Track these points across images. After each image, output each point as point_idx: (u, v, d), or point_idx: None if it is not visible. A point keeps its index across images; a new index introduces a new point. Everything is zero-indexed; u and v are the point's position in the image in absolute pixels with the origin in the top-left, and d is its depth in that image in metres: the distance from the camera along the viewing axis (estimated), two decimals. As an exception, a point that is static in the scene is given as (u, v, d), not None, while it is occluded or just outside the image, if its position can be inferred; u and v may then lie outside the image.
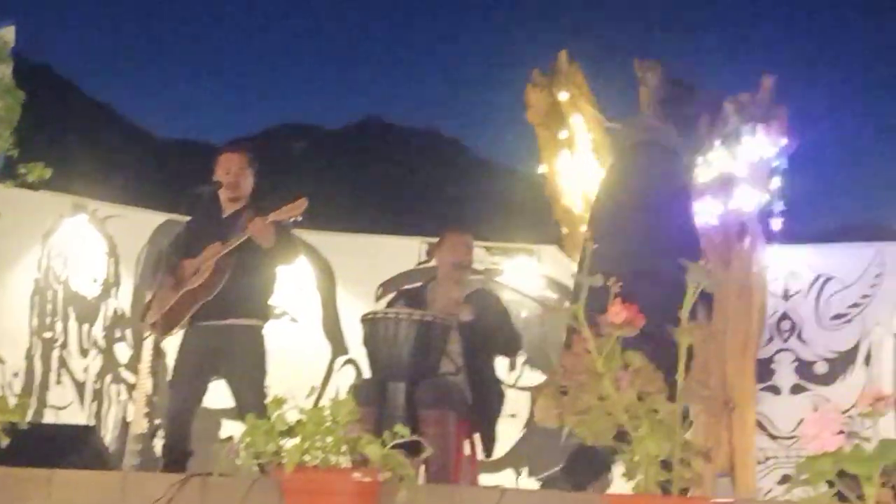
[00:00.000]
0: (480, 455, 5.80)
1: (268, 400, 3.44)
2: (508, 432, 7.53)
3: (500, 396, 5.94)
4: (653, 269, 4.72)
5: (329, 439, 3.30)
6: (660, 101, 7.36)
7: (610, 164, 5.97)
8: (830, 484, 2.36)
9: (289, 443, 3.30)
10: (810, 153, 7.76)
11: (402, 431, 3.44)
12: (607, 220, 5.42)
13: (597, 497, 3.97)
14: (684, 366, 3.22)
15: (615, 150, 6.23)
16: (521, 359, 7.95)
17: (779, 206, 7.53)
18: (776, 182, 7.42)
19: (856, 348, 7.65)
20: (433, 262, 6.92)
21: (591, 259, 3.45)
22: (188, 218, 6.17)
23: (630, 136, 5.76)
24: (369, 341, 5.63)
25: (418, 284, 6.40)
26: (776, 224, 7.53)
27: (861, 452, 2.12)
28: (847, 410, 4.21)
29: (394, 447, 3.41)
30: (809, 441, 2.12)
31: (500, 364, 6.83)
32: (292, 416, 3.36)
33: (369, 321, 5.62)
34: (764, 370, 7.73)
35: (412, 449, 3.65)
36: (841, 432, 2.13)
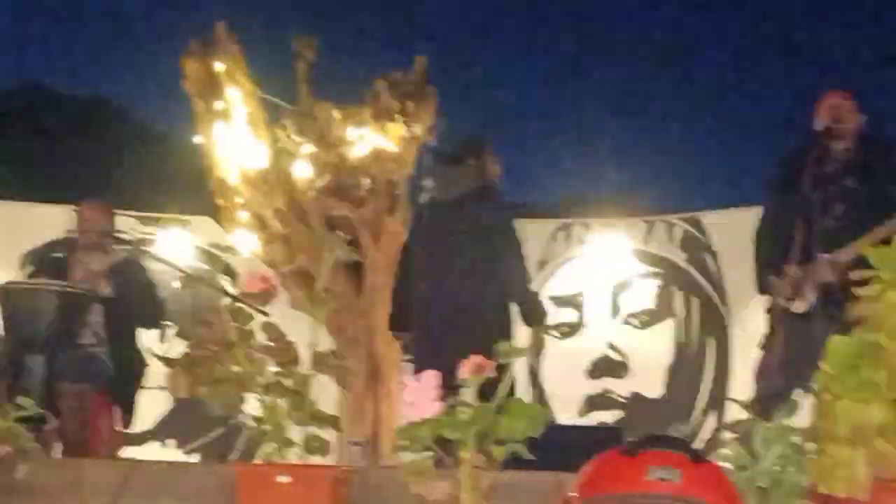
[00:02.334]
0: (121, 427, 5.71)
1: None
2: (156, 404, 7.42)
3: (143, 368, 5.86)
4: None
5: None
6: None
7: None
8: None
9: None
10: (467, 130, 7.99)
11: (25, 403, 3.34)
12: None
13: (229, 468, 3.99)
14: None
15: None
16: (172, 330, 7.82)
17: (428, 182, 7.73)
18: (426, 159, 7.61)
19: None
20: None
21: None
22: None
23: None
24: (5, 313, 5.44)
25: (60, 255, 6.19)
26: (425, 199, 7.73)
27: (456, 418, 2.23)
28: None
29: (21, 420, 3.31)
30: (409, 408, 2.21)
31: (149, 335, 6.73)
32: None
33: (4, 291, 5.42)
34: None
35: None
36: (440, 399, 2.24)
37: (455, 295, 5.90)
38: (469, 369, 2.38)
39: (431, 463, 2.32)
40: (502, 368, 2.35)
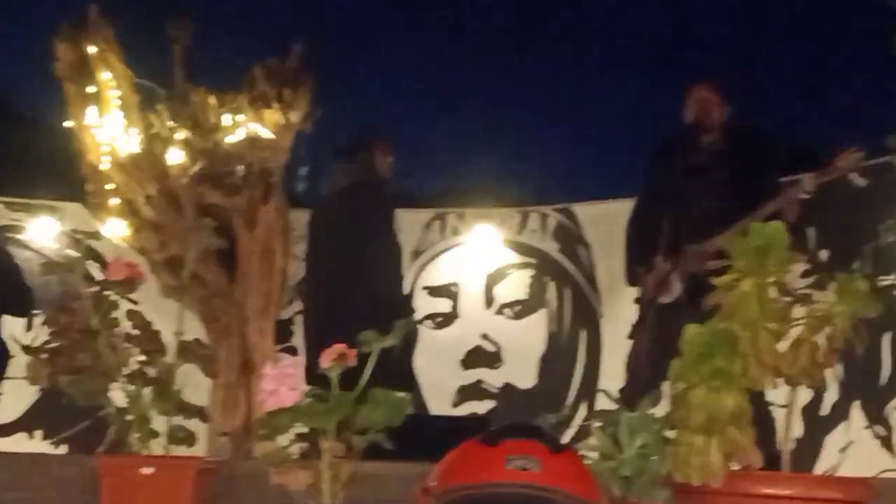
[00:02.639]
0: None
1: None
2: (23, 395, 7.23)
3: (6, 357, 5.71)
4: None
5: None
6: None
7: None
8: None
9: None
10: (346, 119, 7.97)
11: None
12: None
13: (93, 460, 3.91)
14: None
15: None
16: (39, 319, 7.62)
17: (303, 169, 7.69)
18: (300, 146, 7.57)
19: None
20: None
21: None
22: None
23: None
24: None
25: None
26: (300, 186, 7.70)
27: (316, 407, 2.21)
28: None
29: None
30: (268, 397, 2.18)
31: (15, 324, 6.56)
32: None
33: None
34: (283, 331, 7.89)
35: None
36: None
37: (332, 284, 6.03)
38: (330, 358, 2.36)
39: (291, 453, 2.30)
40: (365, 357, 2.34)
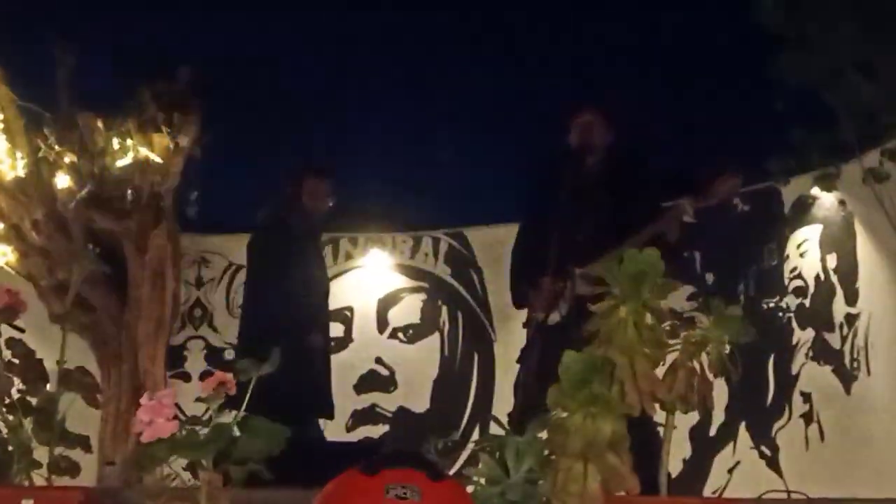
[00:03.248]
0: None
1: None
2: None
3: None
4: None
5: None
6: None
7: None
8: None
9: None
10: (233, 143, 7.90)
11: None
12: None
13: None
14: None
15: None
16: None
17: (194, 193, 7.62)
18: (192, 170, 7.50)
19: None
20: None
21: None
22: None
23: None
24: None
25: None
26: (191, 211, 7.62)
27: (194, 438, 2.19)
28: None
29: None
30: (144, 427, 2.15)
31: None
32: None
33: None
34: (175, 357, 7.80)
35: None
36: (175, 418, 2.19)
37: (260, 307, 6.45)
38: (210, 386, 2.34)
39: (168, 483, 2.27)
40: (245, 385, 2.32)
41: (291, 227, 6.46)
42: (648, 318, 2.20)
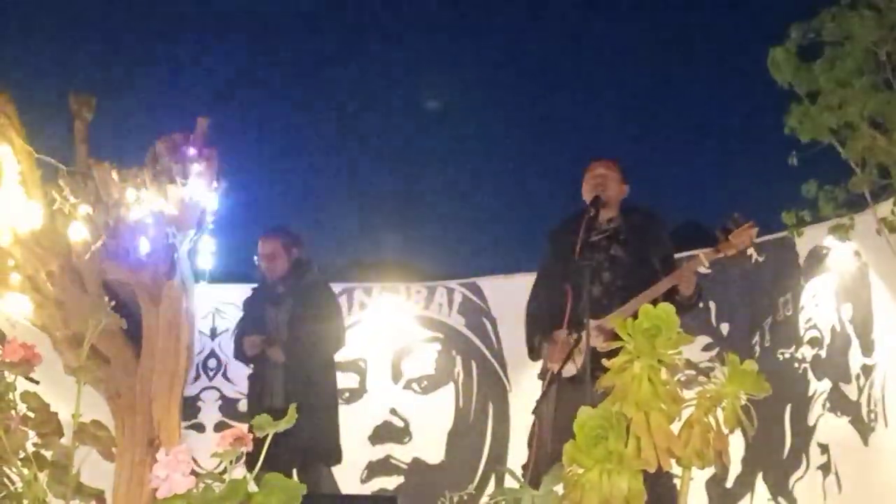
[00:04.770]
0: None
1: None
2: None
3: None
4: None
5: None
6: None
7: None
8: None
9: None
10: (251, 194, 7.97)
11: None
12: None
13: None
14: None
15: None
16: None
17: (209, 244, 7.66)
18: (207, 221, 7.53)
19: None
20: None
21: None
22: None
23: None
24: None
25: None
26: (206, 262, 7.66)
27: (210, 493, 2.18)
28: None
29: None
30: (160, 483, 2.15)
31: None
32: None
33: None
34: (189, 408, 7.80)
35: None
36: (192, 473, 2.18)
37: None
38: (226, 441, 2.33)
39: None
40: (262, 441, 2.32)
41: (266, 285, 7.02)
42: (664, 374, 2.19)
